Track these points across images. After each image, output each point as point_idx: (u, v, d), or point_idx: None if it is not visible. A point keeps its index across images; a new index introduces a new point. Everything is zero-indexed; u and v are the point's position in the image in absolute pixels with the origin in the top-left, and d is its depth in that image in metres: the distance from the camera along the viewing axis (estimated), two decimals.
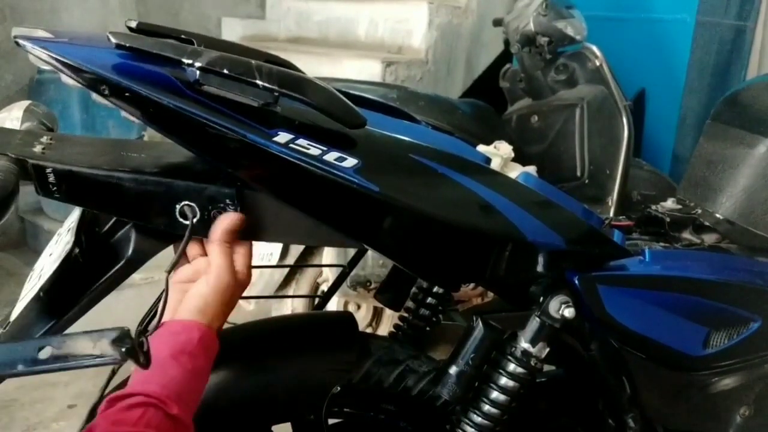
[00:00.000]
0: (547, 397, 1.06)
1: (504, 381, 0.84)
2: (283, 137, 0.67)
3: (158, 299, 0.84)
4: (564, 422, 1.07)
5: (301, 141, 0.68)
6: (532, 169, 1.54)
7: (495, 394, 0.84)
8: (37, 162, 0.66)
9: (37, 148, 0.69)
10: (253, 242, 0.79)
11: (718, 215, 1.20)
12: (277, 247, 1.85)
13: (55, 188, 0.67)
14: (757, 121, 1.22)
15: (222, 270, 0.72)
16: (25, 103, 0.82)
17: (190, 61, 0.64)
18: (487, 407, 0.84)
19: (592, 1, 2.61)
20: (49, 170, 0.66)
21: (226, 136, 0.66)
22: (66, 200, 0.68)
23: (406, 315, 1.14)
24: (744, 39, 3.09)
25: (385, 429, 0.97)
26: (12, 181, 0.61)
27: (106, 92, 0.64)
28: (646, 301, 0.89)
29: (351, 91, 0.80)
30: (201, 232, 0.73)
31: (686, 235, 1.23)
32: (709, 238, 1.22)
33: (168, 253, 0.78)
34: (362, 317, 2.05)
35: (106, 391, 0.81)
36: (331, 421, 0.91)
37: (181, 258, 0.74)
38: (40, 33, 0.67)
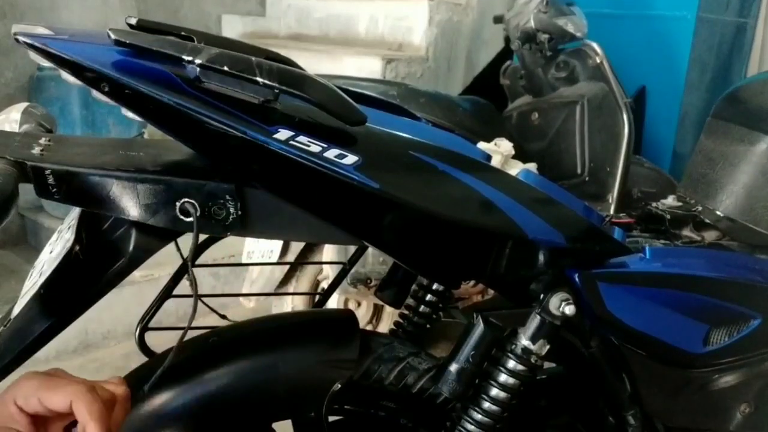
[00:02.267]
0: (547, 395, 1.06)
1: (504, 378, 0.84)
2: (283, 134, 0.67)
3: (159, 296, 0.85)
4: (564, 419, 1.07)
5: (302, 138, 0.68)
6: (532, 167, 1.53)
7: (495, 392, 0.84)
8: (36, 164, 0.66)
9: (36, 150, 0.69)
10: (254, 239, 0.78)
11: (718, 212, 1.20)
12: (277, 245, 1.85)
13: (54, 189, 0.67)
14: (758, 118, 1.22)
15: None
16: (23, 104, 0.82)
17: (191, 58, 0.64)
18: (487, 404, 0.84)
19: None
20: (48, 172, 0.66)
21: (226, 133, 0.66)
22: (66, 201, 0.68)
23: (406, 312, 1.14)
24: (745, 36, 3.09)
25: (386, 426, 0.97)
26: (11, 184, 0.61)
27: (106, 89, 0.63)
28: (646, 298, 0.89)
29: (351, 88, 0.80)
30: (203, 228, 0.73)
31: (687, 232, 1.22)
32: (710, 235, 1.22)
33: (168, 252, 0.78)
34: (362, 315, 2.05)
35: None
36: (331, 418, 0.91)
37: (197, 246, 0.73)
38: (40, 30, 0.66)
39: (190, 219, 0.71)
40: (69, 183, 0.67)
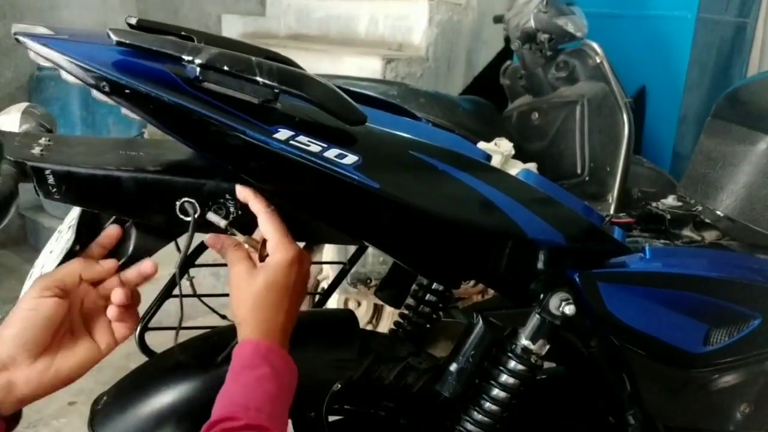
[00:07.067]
0: (547, 395, 1.06)
1: (504, 378, 0.84)
2: (283, 134, 0.67)
3: (159, 296, 0.85)
4: (564, 419, 1.07)
5: (302, 138, 0.68)
6: (532, 166, 1.53)
7: (495, 391, 0.84)
8: (36, 164, 0.66)
9: (36, 150, 0.69)
10: None
11: (718, 212, 1.20)
12: None
13: (54, 189, 0.67)
14: (758, 118, 1.22)
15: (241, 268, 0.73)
16: (23, 105, 0.82)
17: (191, 58, 0.64)
18: (487, 404, 0.84)
19: None
20: (48, 172, 0.66)
21: (226, 133, 0.66)
22: (66, 201, 0.68)
23: (406, 312, 1.14)
24: (744, 36, 3.09)
25: (386, 426, 0.97)
26: (11, 184, 0.61)
27: (107, 89, 0.64)
28: (646, 298, 0.89)
29: (351, 88, 0.80)
30: (202, 228, 0.73)
31: (687, 232, 1.22)
32: (710, 235, 1.22)
33: (168, 252, 0.78)
34: (362, 314, 2.04)
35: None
36: (331, 418, 0.91)
37: (187, 254, 0.74)
38: (40, 30, 0.66)
39: (190, 218, 0.71)
40: (69, 183, 0.67)
